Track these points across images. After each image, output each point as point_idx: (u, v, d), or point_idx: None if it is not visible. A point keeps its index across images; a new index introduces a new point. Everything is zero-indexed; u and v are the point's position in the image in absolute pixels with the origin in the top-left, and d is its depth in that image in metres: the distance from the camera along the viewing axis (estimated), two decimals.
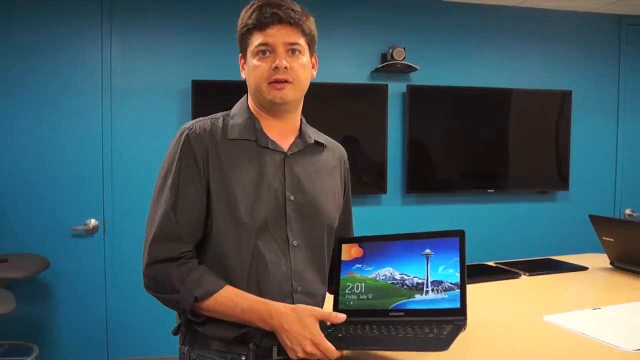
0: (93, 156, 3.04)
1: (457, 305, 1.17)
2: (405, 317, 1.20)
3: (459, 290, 1.18)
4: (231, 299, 1.13)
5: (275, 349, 1.17)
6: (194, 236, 1.18)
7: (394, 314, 1.21)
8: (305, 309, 1.11)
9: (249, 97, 1.29)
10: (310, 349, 1.07)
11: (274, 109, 1.23)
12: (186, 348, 1.22)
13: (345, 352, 1.11)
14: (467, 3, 3.52)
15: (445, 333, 1.08)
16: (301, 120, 1.31)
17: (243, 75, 1.27)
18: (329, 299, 1.32)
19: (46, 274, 2.89)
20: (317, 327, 1.09)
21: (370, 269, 1.28)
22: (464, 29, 3.53)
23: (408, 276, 1.24)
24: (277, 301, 1.14)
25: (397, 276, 1.25)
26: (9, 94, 2.92)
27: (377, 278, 1.27)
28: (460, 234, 1.22)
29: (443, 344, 1.02)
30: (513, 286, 1.82)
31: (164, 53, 3.13)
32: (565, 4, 3.58)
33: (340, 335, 1.14)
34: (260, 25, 1.17)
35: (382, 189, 3.42)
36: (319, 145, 1.31)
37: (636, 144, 3.84)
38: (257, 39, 1.18)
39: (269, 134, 1.23)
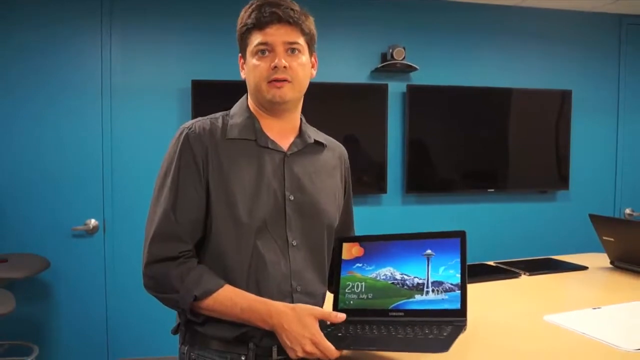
0: (93, 156, 3.04)
1: (458, 306, 1.17)
2: (405, 317, 1.20)
3: (459, 292, 1.18)
4: (230, 298, 1.13)
5: (275, 349, 1.17)
6: (194, 236, 1.17)
7: (394, 314, 1.21)
8: (305, 309, 1.11)
9: (248, 96, 1.29)
10: (309, 348, 1.06)
11: (273, 108, 1.22)
12: (186, 348, 1.22)
13: (344, 351, 1.11)
14: (467, 3, 3.52)
15: (445, 334, 1.08)
16: (301, 119, 1.31)
17: (243, 75, 1.27)
18: (329, 298, 1.32)
19: (46, 274, 2.89)
20: (316, 326, 1.09)
21: (370, 268, 1.28)
22: (464, 29, 3.53)
23: (408, 276, 1.23)
24: (277, 301, 1.14)
25: (398, 276, 1.24)
26: (9, 94, 2.92)
27: (378, 278, 1.26)
28: (461, 235, 1.22)
29: (443, 346, 1.02)
30: (513, 286, 1.82)
31: (164, 53, 3.13)
32: (566, 3, 3.58)
33: (340, 334, 1.14)
34: (259, 24, 1.17)
35: (382, 188, 3.42)
36: (319, 144, 1.31)
37: (636, 143, 3.84)
38: (256, 39, 1.18)
39: (268, 134, 1.23)
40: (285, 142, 1.25)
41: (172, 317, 1.25)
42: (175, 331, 1.25)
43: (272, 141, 1.23)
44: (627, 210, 3.84)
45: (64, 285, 3.01)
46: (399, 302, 1.22)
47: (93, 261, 3.05)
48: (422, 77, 3.46)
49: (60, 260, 2.97)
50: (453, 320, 1.15)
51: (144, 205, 1.23)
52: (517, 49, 3.63)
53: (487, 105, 3.55)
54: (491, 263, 2.13)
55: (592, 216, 2.05)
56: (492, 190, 3.59)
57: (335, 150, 1.37)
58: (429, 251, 1.23)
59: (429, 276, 1.21)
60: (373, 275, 1.27)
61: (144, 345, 3.09)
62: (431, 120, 3.49)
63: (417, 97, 3.41)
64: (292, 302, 1.17)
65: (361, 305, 1.26)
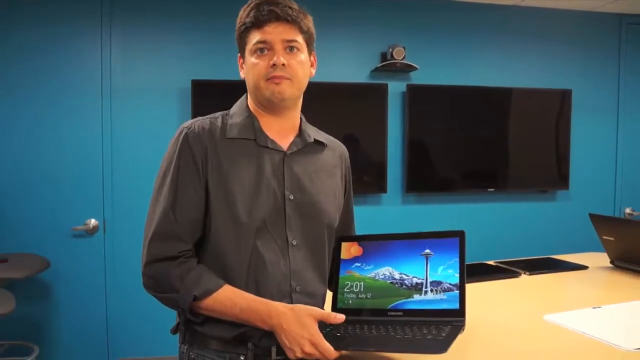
0: (93, 156, 3.04)
1: (456, 306, 1.17)
2: (404, 317, 1.20)
3: (458, 291, 1.18)
4: (230, 299, 1.13)
5: (274, 349, 1.16)
6: (193, 235, 1.18)
7: (393, 313, 1.21)
8: (304, 309, 1.11)
9: (248, 96, 1.29)
10: (308, 349, 1.06)
11: (272, 106, 1.22)
12: (185, 347, 1.23)
13: (343, 352, 1.11)
14: (467, 2, 3.52)
15: (443, 334, 1.07)
16: (301, 119, 1.31)
17: (242, 75, 1.27)
18: (330, 298, 1.32)
19: (46, 274, 2.89)
20: (315, 327, 1.09)
21: (369, 267, 1.28)
22: (463, 28, 3.53)
23: (407, 276, 1.23)
24: (276, 301, 1.14)
25: (397, 276, 1.24)
26: (9, 94, 2.92)
27: (376, 277, 1.26)
28: (460, 235, 1.22)
29: (441, 347, 1.01)
30: (513, 285, 1.82)
31: (164, 53, 3.13)
32: (565, 3, 3.58)
33: (338, 334, 1.13)
34: (257, 23, 1.17)
35: (382, 188, 3.42)
36: (319, 144, 1.31)
37: (636, 143, 3.84)
38: (255, 37, 1.18)
39: (268, 133, 1.23)
40: (285, 141, 1.25)
41: (172, 317, 1.25)
42: (174, 331, 1.25)
43: (272, 140, 1.23)
44: (627, 210, 3.84)
45: (64, 285, 3.01)
46: (397, 302, 1.22)
47: (93, 261, 3.05)
48: (422, 77, 3.46)
49: (60, 260, 2.97)
50: (452, 320, 1.15)
51: (144, 205, 1.23)
52: (517, 49, 3.63)
53: (487, 105, 3.55)
54: (491, 262, 2.13)
55: (592, 216, 2.05)
56: (492, 190, 3.59)
57: (336, 150, 1.37)
58: (427, 251, 1.23)
59: (428, 276, 1.21)
60: (372, 274, 1.27)
61: (144, 345, 3.09)
62: (431, 120, 3.49)
63: (417, 96, 3.41)
64: (291, 302, 1.17)
65: (360, 304, 1.25)
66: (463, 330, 1.13)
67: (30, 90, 2.94)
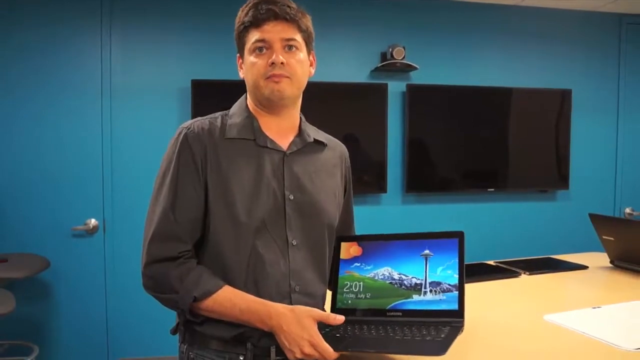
0: (93, 156, 3.04)
1: (455, 307, 1.17)
2: (403, 317, 1.20)
3: (457, 292, 1.18)
4: (230, 299, 1.13)
5: (273, 349, 1.16)
6: (193, 235, 1.18)
7: (392, 314, 1.21)
8: (304, 310, 1.11)
9: (247, 96, 1.29)
10: (308, 350, 1.06)
11: (271, 105, 1.22)
12: (185, 347, 1.23)
13: (343, 352, 1.11)
14: (467, 2, 3.52)
15: (442, 336, 1.07)
16: (301, 118, 1.31)
17: (241, 75, 1.27)
18: (329, 298, 1.32)
19: (46, 274, 2.89)
20: (315, 328, 1.09)
21: (369, 268, 1.28)
22: (463, 28, 3.53)
23: (406, 276, 1.23)
24: (275, 301, 1.14)
25: (396, 276, 1.24)
26: (9, 94, 2.92)
27: (376, 277, 1.26)
28: (459, 235, 1.22)
29: (440, 349, 1.01)
30: (513, 285, 1.82)
31: (164, 53, 3.13)
32: (565, 3, 3.58)
33: (338, 335, 1.13)
34: (256, 22, 1.17)
35: (382, 188, 3.41)
36: (319, 143, 1.31)
37: (636, 142, 3.84)
38: (253, 36, 1.18)
39: (267, 133, 1.23)
40: (284, 141, 1.25)
41: (172, 317, 1.25)
42: (174, 331, 1.25)
43: (271, 140, 1.23)
44: (627, 210, 3.84)
45: (64, 285, 3.01)
46: (396, 302, 1.22)
47: (93, 261, 3.05)
48: (422, 77, 3.45)
49: (60, 260, 2.97)
50: (451, 321, 1.15)
51: (144, 205, 1.23)
52: (517, 49, 3.63)
53: (487, 105, 3.55)
54: (491, 262, 2.13)
55: (592, 215, 2.04)
56: (492, 189, 3.59)
57: (336, 149, 1.37)
58: (427, 251, 1.23)
59: (427, 276, 1.21)
60: (371, 274, 1.27)
61: (144, 345, 3.09)
62: (431, 119, 3.49)
63: (417, 96, 3.41)
64: (291, 302, 1.17)
65: (359, 305, 1.25)
66: (462, 331, 1.13)
67: (30, 90, 2.94)
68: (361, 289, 1.27)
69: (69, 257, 3.00)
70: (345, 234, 1.40)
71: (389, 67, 3.34)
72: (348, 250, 1.32)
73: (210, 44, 3.15)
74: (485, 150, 3.57)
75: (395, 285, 1.23)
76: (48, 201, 2.97)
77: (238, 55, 1.26)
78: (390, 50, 3.29)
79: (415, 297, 1.21)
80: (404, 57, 3.28)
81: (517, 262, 2.12)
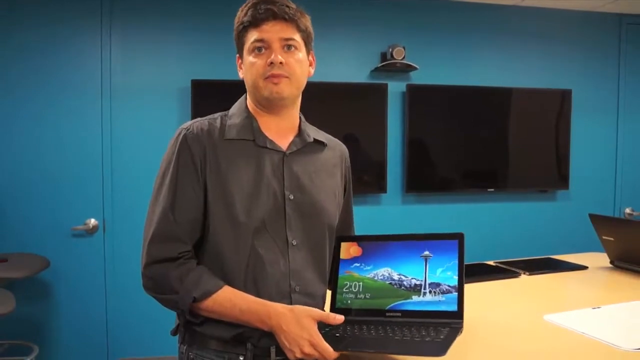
0: (93, 156, 3.04)
1: (455, 308, 1.17)
2: (402, 318, 1.20)
3: (456, 293, 1.18)
4: (230, 300, 1.13)
5: (273, 349, 1.17)
6: (192, 236, 1.18)
7: (391, 314, 1.21)
8: (304, 310, 1.11)
9: (247, 96, 1.29)
10: (308, 349, 1.07)
11: (271, 105, 1.22)
12: (185, 347, 1.23)
13: (342, 352, 1.11)
14: (467, 2, 3.52)
15: (442, 337, 1.08)
16: (300, 118, 1.31)
17: (241, 75, 1.27)
18: (329, 298, 1.32)
19: (46, 273, 2.89)
20: (315, 328, 1.09)
21: (368, 268, 1.28)
22: (463, 28, 3.53)
23: (406, 277, 1.23)
24: (275, 301, 1.14)
25: (395, 277, 1.24)
26: (9, 94, 2.92)
27: (375, 278, 1.26)
28: (459, 237, 1.22)
29: (440, 349, 1.02)
30: (513, 285, 1.82)
31: (164, 53, 3.13)
32: (565, 3, 3.58)
33: (337, 335, 1.14)
34: (255, 21, 1.17)
35: (382, 188, 3.41)
36: (319, 143, 1.31)
37: (636, 142, 3.84)
38: (252, 36, 1.18)
39: (267, 133, 1.23)
40: (284, 141, 1.25)
41: (171, 317, 1.25)
42: (174, 332, 1.25)
43: (271, 141, 1.23)
44: (627, 210, 3.84)
45: (64, 285, 3.01)
46: (396, 303, 1.22)
47: (93, 261, 3.05)
48: (422, 77, 3.45)
49: (60, 260, 2.97)
50: (450, 322, 1.15)
51: (144, 205, 1.23)
52: (517, 49, 3.63)
53: (487, 105, 3.55)
54: (491, 263, 2.13)
55: (592, 216, 2.04)
56: (492, 190, 3.59)
57: (336, 149, 1.37)
58: (427, 252, 1.23)
59: (427, 277, 1.21)
60: (371, 275, 1.27)
61: (144, 345, 3.09)
62: (431, 120, 3.49)
63: (417, 96, 3.41)
64: (291, 302, 1.17)
65: (358, 305, 1.25)
66: (461, 332, 1.13)
67: (30, 90, 2.94)
68: (361, 289, 1.27)
69: (69, 257, 3.00)
70: (345, 233, 1.40)
71: (389, 67, 3.34)
72: (348, 250, 1.32)
73: (210, 44, 3.15)
74: (485, 150, 3.57)
75: (395, 286, 1.23)
76: (48, 201, 2.97)
77: (237, 55, 1.26)
78: (390, 50, 3.29)
79: (415, 298, 1.21)
80: (404, 57, 3.28)
81: (517, 262, 2.12)
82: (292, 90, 1.21)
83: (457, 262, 1.20)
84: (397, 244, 1.27)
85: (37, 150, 2.95)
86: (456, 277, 1.19)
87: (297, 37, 1.20)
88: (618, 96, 3.79)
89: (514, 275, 1.91)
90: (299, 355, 1.08)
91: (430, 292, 1.20)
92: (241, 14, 1.21)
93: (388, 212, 3.47)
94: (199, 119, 1.24)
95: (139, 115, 3.09)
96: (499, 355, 1.19)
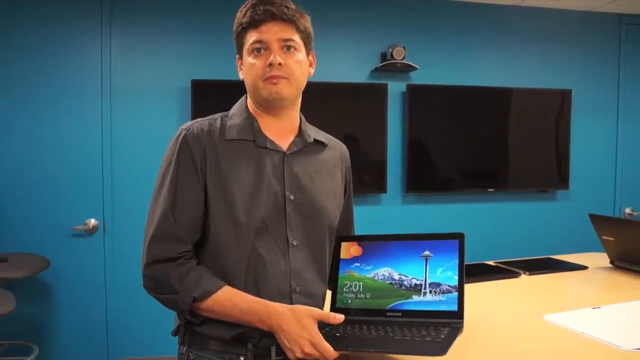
0: (93, 156, 3.04)
1: (455, 308, 1.17)
2: (403, 317, 1.20)
3: (456, 293, 1.18)
4: (230, 300, 1.13)
5: (273, 349, 1.17)
6: (193, 236, 1.18)
7: (391, 314, 1.21)
8: (304, 310, 1.11)
9: (247, 96, 1.29)
10: (308, 349, 1.07)
11: (270, 106, 1.22)
12: (184, 348, 1.23)
13: (343, 352, 1.11)
14: (467, 2, 3.52)
15: (442, 336, 1.08)
16: (301, 118, 1.31)
17: (241, 76, 1.27)
18: (329, 298, 1.32)
19: (46, 273, 2.89)
20: (315, 327, 1.09)
21: (368, 268, 1.28)
22: (463, 29, 3.53)
23: (406, 277, 1.23)
24: (276, 301, 1.14)
25: (396, 276, 1.24)
26: (9, 94, 2.92)
27: (376, 278, 1.26)
28: (459, 237, 1.22)
29: (441, 349, 1.02)
30: (513, 285, 1.82)
31: (164, 53, 3.13)
32: (565, 3, 3.58)
33: (337, 335, 1.14)
34: (254, 23, 1.17)
35: (382, 188, 3.41)
36: (319, 144, 1.31)
37: (636, 142, 3.84)
38: (251, 37, 1.18)
39: (267, 134, 1.23)
40: (284, 141, 1.25)
41: (171, 317, 1.25)
42: (175, 333, 1.25)
43: (271, 141, 1.23)
44: (627, 210, 3.84)
45: (64, 285, 3.01)
46: (396, 303, 1.22)
47: (93, 261, 3.05)
48: (422, 77, 3.45)
49: (60, 260, 2.97)
50: (450, 322, 1.15)
51: (144, 205, 1.23)
52: (517, 49, 3.63)
53: (487, 105, 3.55)
54: (491, 263, 2.13)
55: (592, 216, 2.04)
56: (492, 190, 3.59)
57: (336, 149, 1.37)
58: (427, 252, 1.23)
59: (427, 277, 1.21)
60: (371, 275, 1.27)
61: (144, 345, 3.09)
62: (431, 120, 3.49)
63: (417, 96, 3.41)
64: (291, 302, 1.17)
65: (359, 305, 1.26)
66: (461, 332, 1.13)
67: (30, 90, 2.94)
68: (361, 289, 1.27)
69: (69, 257, 3.00)
70: (346, 233, 1.40)
71: (389, 67, 3.34)
72: (348, 250, 1.32)
73: (210, 44, 3.15)
74: (485, 150, 3.57)
75: (395, 286, 1.23)
76: (48, 201, 2.97)
77: (237, 56, 1.26)
78: (390, 50, 3.29)
79: (415, 298, 1.21)
80: (404, 57, 3.28)
81: (517, 262, 2.12)
82: (291, 90, 1.21)
83: (457, 262, 1.20)
84: (398, 244, 1.27)
85: (37, 150, 2.95)
86: (456, 277, 1.19)
87: (296, 37, 1.20)
88: (618, 96, 3.79)
89: (514, 275, 1.91)
90: (299, 355, 1.08)
91: (430, 292, 1.20)
92: (240, 15, 1.21)
93: (388, 212, 3.47)
94: (199, 119, 1.24)
95: (139, 115, 3.09)
96: (499, 355, 1.20)
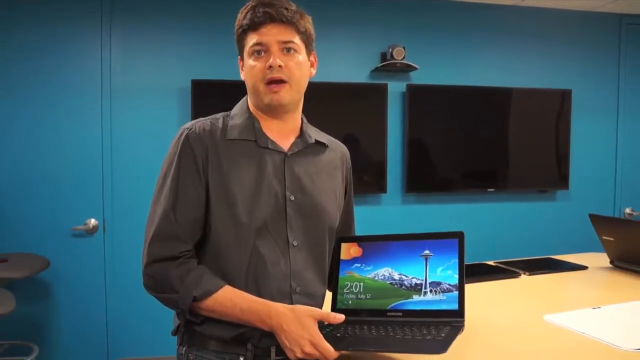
0: (93, 156, 3.04)
1: (455, 307, 1.17)
2: (403, 317, 1.20)
3: (457, 292, 1.18)
4: (230, 299, 1.13)
5: (273, 349, 1.17)
6: (194, 236, 1.18)
7: (392, 314, 1.21)
8: (304, 310, 1.11)
9: (248, 97, 1.29)
10: (308, 349, 1.07)
11: (271, 110, 1.23)
12: (184, 349, 1.23)
13: (343, 352, 1.11)
14: (467, 3, 3.52)
15: (443, 335, 1.08)
16: (302, 119, 1.31)
17: (242, 77, 1.27)
18: (328, 299, 1.32)
19: (46, 273, 2.89)
20: (315, 327, 1.09)
21: (369, 268, 1.28)
22: (464, 29, 3.53)
23: (407, 277, 1.24)
24: (276, 301, 1.14)
25: (396, 276, 1.25)
26: (9, 94, 2.92)
27: (376, 278, 1.26)
28: (459, 236, 1.22)
29: (441, 347, 1.02)
30: (513, 285, 1.82)
31: (164, 53, 3.13)
32: (565, 3, 3.58)
33: (338, 335, 1.14)
34: (253, 25, 1.18)
35: (382, 188, 3.42)
36: (320, 145, 1.31)
37: (636, 142, 3.84)
38: (251, 39, 1.18)
39: (268, 134, 1.23)
40: (285, 142, 1.25)
41: (172, 317, 1.25)
42: (175, 332, 1.25)
43: (272, 142, 1.23)
44: (627, 210, 3.84)
45: (64, 285, 3.01)
46: (397, 303, 1.22)
47: (93, 261, 3.05)
48: (422, 77, 3.45)
49: (60, 260, 2.97)
50: (451, 321, 1.15)
51: (144, 205, 1.23)
52: (517, 49, 3.63)
53: (487, 105, 3.55)
54: (491, 263, 2.13)
55: (591, 216, 2.04)
56: (492, 190, 3.59)
57: (337, 151, 1.37)
58: (427, 252, 1.23)
59: (427, 277, 1.22)
60: (371, 275, 1.27)
61: (144, 345, 3.09)
62: (431, 120, 3.49)
63: (417, 96, 3.41)
64: (292, 302, 1.17)
65: (359, 305, 1.26)
66: (462, 330, 1.13)
67: (30, 90, 2.94)
68: (361, 290, 1.27)
69: (69, 257, 3.00)
70: (346, 234, 1.40)
71: (389, 67, 3.34)
72: (348, 250, 1.33)
73: (210, 44, 3.15)
74: (485, 150, 3.57)
75: (396, 286, 1.24)
76: (48, 201, 2.97)
77: (239, 57, 1.26)
78: (390, 50, 3.29)
79: (416, 298, 1.21)
80: (404, 57, 3.28)
81: (517, 262, 2.12)
82: (292, 95, 1.21)
83: (457, 260, 1.20)
84: (397, 244, 1.28)
85: (37, 150, 2.96)
86: (457, 276, 1.19)
87: (297, 39, 1.20)
88: (618, 96, 3.80)
89: (514, 275, 1.91)
90: (299, 354, 1.08)
91: (431, 291, 1.20)
92: (241, 17, 1.21)
93: (388, 212, 3.47)
94: (201, 118, 1.25)
95: (139, 115, 3.09)
96: (499, 355, 1.20)
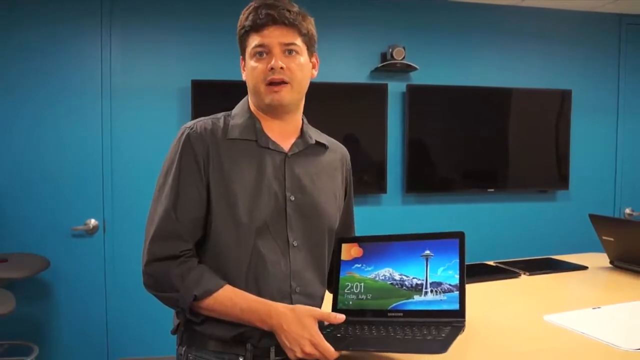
0: (93, 156, 3.04)
1: (456, 307, 1.17)
2: (404, 317, 1.20)
3: (458, 292, 1.18)
4: (230, 299, 1.13)
5: (272, 349, 1.17)
6: (194, 235, 1.18)
7: (393, 314, 1.21)
8: (305, 309, 1.11)
9: (249, 97, 1.29)
10: (309, 349, 1.07)
11: (273, 111, 1.23)
12: (183, 349, 1.23)
13: (343, 352, 1.11)
14: (467, 3, 3.52)
15: (443, 335, 1.08)
16: (303, 120, 1.32)
17: (244, 77, 1.27)
18: (328, 299, 1.32)
19: (46, 274, 2.89)
20: (316, 327, 1.09)
21: (369, 269, 1.28)
22: (464, 29, 3.53)
23: (407, 277, 1.24)
24: (276, 301, 1.15)
25: (397, 277, 1.25)
26: (9, 94, 2.92)
27: (377, 278, 1.27)
28: (460, 236, 1.22)
29: (441, 347, 1.02)
30: (513, 286, 1.82)
31: (164, 53, 3.13)
32: (565, 3, 3.58)
33: (339, 335, 1.14)
34: (256, 26, 1.18)
35: (382, 188, 3.42)
36: (320, 146, 1.32)
37: (636, 143, 3.84)
38: (253, 41, 1.19)
39: (269, 135, 1.24)
40: (286, 143, 1.25)
41: (171, 317, 1.25)
42: (174, 332, 1.25)
43: (273, 142, 1.23)
44: (627, 210, 3.84)
45: (64, 285, 3.01)
46: (397, 303, 1.22)
47: (93, 261, 3.05)
48: (422, 77, 3.46)
49: (60, 260, 2.97)
50: (452, 321, 1.15)
51: (144, 205, 1.23)
52: (517, 49, 3.63)
53: (487, 105, 3.55)
54: (491, 263, 2.13)
55: (591, 216, 2.05)
56: (492, 190, 3.59)
57: (337, 152, 1.37)
58: (427, 252, 1.24)
59: (428, 277, 1.22)
60: (372, 275, 1.27)
61: (144, 345, 3.09)
62: (431, 120, 3.49)
63: (417, 97, 3.41)
64: (292, 302, 1.18)
65: (360, 305, 1.26)
66: (463, 330, 1.13)
67: (30, 90, 2.94)
68: (362, 290, 1.27)
69: (69, 257, 3.00)
70: (346, 235, 1.40)
71: (389, 67, 3.34)
72: (349, 251, 1.33)
73: (210, 44, 3.15)
74: (485, 150, 3.57)
75: (396, 286, 1.24)
76: (48, 201, 2.97)
77: (241, 57, 1.26)
78: (390, 50, 3.29)
79: (416, 298, 1.21)
80: (404, 58, 3.28)
81: (517, 262, 2.12)
82: (293, 96, 1.21)
83: (458, 260, 1.20)
84: (398, 244, 1.28)
85: (37, 150, 2.96)
86: (457, 276, 1.19)
87: (298, 41, 1.20)
88: (618, 96, 3.80)
89: (514, 275, 1.91)
90: (299, 354, 1.08)
91: (431, 291, 1.20)
92: (243, 18, 1.21)
93: (388, 212, 3.47)
94: (202, 118, 1.25)
95: (139, 115, 3.09)
96: (499, 355, 1.20)
